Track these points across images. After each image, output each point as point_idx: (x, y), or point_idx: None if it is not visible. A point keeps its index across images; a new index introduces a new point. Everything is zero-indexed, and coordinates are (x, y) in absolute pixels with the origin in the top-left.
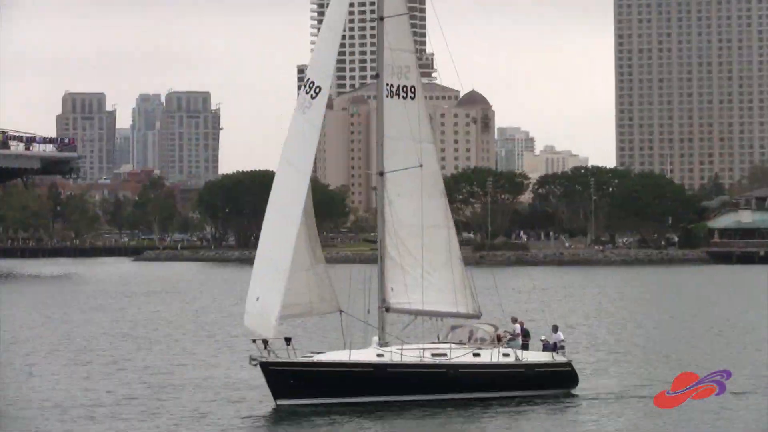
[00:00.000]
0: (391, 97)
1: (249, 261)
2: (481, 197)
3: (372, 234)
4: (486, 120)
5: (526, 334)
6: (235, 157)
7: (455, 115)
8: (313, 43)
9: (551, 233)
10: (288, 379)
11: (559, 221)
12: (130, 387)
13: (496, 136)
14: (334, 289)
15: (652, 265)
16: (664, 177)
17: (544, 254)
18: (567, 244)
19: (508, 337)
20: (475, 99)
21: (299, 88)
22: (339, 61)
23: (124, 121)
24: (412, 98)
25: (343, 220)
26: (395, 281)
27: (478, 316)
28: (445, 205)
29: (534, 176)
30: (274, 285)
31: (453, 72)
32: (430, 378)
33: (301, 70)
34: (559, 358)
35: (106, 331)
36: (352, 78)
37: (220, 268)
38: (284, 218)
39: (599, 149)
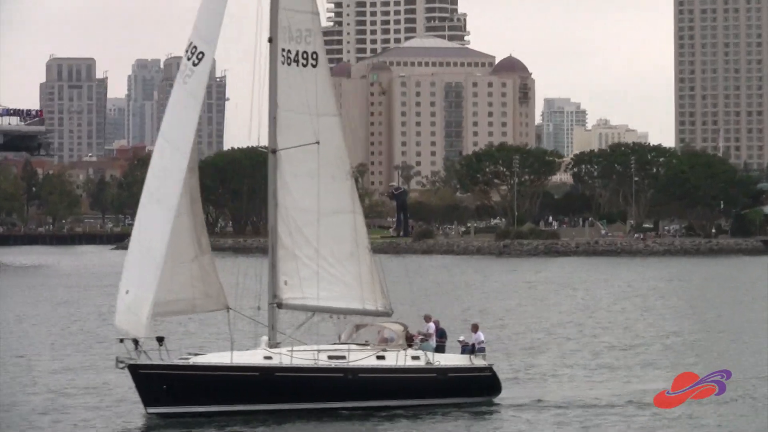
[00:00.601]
0: (288, 64)
1: (244, 249)
2: (508, 178)
3: (390, 219)
4: (525, 90)
5: (441, 334)
6: (242, 131)
7: (490, 84)
8: (330, 1)
9: (590, 219)
10: (160, 385)
11: (596, 206)
12: (18, 393)
13: (541, 108)
14: (221, 284)
15: (699, 256)
16: (716, 156)
17: (576, 243)
18: (603, 232)
19: (420, 338)
20: (512, 66)
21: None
22: (358, 23)
23: (118, 90)
24: (314, 66)
25: None
26: (289, 274)
27: (388, 314)
28: (351, 187)
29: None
30: (147, 278)
31: (488, 35)
32: (325, 384)
33: None
34: (479, 361)
35: (36, 328)
36: (374, 42)
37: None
38: (160, 203)
39: (661, 123)
